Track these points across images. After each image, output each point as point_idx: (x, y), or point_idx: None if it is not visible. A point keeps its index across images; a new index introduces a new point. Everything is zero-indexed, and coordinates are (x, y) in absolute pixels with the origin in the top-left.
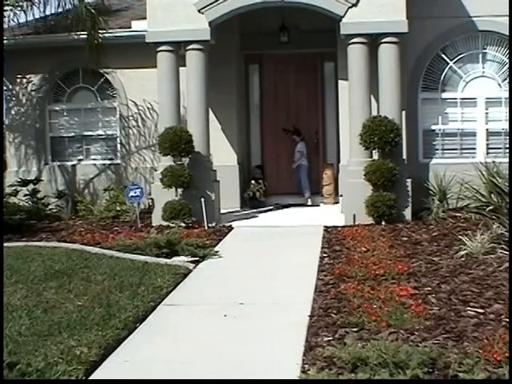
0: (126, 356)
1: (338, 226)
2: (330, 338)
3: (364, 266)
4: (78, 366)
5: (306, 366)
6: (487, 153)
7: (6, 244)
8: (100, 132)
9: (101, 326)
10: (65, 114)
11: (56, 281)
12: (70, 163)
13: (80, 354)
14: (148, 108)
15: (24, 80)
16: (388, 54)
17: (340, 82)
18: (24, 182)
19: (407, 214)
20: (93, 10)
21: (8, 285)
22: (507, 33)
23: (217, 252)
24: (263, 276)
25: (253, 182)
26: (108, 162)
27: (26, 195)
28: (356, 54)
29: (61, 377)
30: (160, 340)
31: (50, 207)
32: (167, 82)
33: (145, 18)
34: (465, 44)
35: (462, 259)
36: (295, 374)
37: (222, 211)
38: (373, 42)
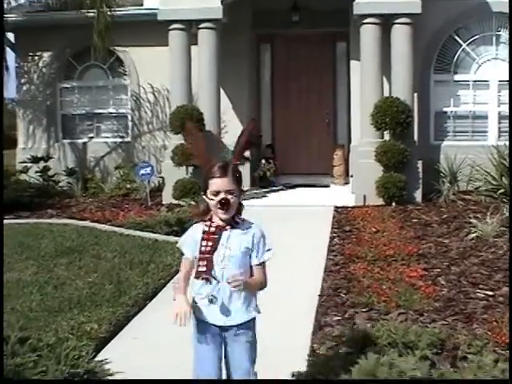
0: (135, 333)
1: (348, 207)
2: (340, 318)
3: (374, 246)
4: (89, 341)
5: (315, 345)
6: (499, 136)
7: (16, 221)
8: (111, 110)
9: (111, 303)
10: (76, 91)
11: (66, 257)
12: (80, 141)
13: (90, 330)
14: (159, 86)
15: (35, 57)
16: (401, 35)
17: (352, 62)
18: (35, 159)
19: (417, 195)
20: None
21: (19, 261)
22: None
23: None
24: (272, 256)
25: (263, 161)
26: (119, 139)
27: (36, 172)
28: (369, 35)
29: (71, 352)
30: (169, 317)
31: (60, 185)
32: (179, 60)
33: None
34: (478, 26)
35: (472, 241)
36: (304, 353)
37: None
38: (386, 22)
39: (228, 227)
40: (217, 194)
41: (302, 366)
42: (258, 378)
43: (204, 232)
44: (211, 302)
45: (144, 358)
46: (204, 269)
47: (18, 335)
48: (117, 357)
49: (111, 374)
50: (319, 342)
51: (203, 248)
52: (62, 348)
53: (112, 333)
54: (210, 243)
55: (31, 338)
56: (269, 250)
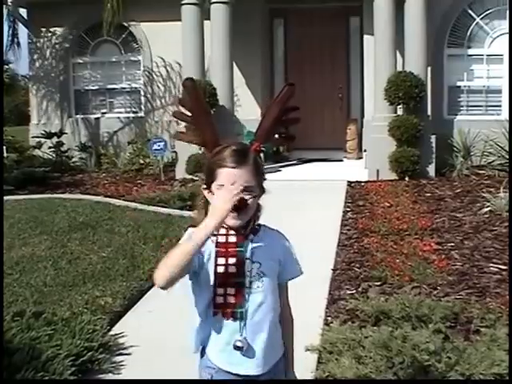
0: (150, 306)
1: (361, 181)
2: (353, 292)
3: (387, 221)
4: (103, 315)
5: (329, 318)
6: None
7: (30, 196)
8: (124, 85)
9: (125, 277)
10: (88, 66)
11: (80, 232)
12: (93, 116)
13: (104, 304)
14: (172, 61)
15: (48, 33)
16: (414, 9)
17: (365, 36)
18: (48, 135)
19: (431, 170)
20: None
21: (33, 236)
22: None
23: None
24: (286, 230)
25: (276, 136)
26: (132, 115)
27: (50, 148)
28: (382, 9)
29: (86, 326)
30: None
31: (73, 160)
32: (191, 35)
33: None
34: (492, 0)
35: (486, 216)
36: (318, 327)
37: None
38: None
39: (252, 236)
40: None
41: (315, 340)
42: None
43: (218, 244)
44: (239, 349)
45: (159, 332)
46: (233, 300)
47: (32, 310)
48: (131, 330)
49: (126, 348)
50: (333, 315)
51: (222, 268)
52: (76, 322)
53: (126, 307)
54: (233, 260)
55: (46, 313)
56: (298, 263)
